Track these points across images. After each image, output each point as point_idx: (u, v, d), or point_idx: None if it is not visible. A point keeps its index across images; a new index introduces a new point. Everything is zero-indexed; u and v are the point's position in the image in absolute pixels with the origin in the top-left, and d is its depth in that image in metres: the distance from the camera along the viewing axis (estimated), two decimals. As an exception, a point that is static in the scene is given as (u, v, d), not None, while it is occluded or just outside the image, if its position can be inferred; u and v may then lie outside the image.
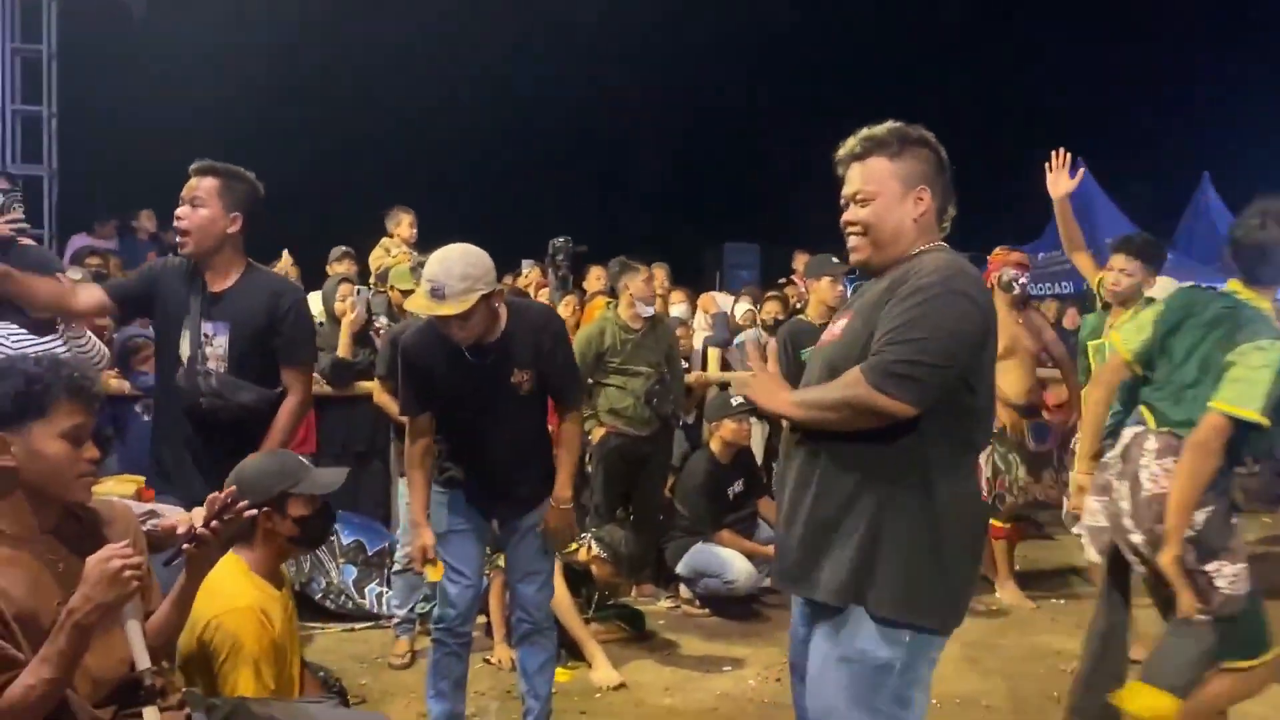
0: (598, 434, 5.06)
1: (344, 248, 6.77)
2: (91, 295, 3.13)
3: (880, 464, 2.02)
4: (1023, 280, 5.02)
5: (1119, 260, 4.27)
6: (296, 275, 6.14)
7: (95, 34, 7.98)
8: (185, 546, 2.01)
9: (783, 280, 7.69)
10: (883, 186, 2.10)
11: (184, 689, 2.26)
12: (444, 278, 2.83)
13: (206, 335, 3.02)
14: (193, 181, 3.04)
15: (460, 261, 2.87)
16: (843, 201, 2.17)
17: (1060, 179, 4.31)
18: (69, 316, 3.18)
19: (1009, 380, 4.81)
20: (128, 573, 1.79)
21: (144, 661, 1.89)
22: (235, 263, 3.08)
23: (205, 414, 2.98)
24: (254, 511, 2.27)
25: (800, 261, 7.50)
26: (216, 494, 2.11)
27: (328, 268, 6.65)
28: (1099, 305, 4.56)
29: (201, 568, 2.07)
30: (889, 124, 2.13)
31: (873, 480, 2.02)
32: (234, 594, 2.40)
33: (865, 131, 2.14)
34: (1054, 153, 4.33)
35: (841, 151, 2.17)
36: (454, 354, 3.00)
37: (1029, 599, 5.11)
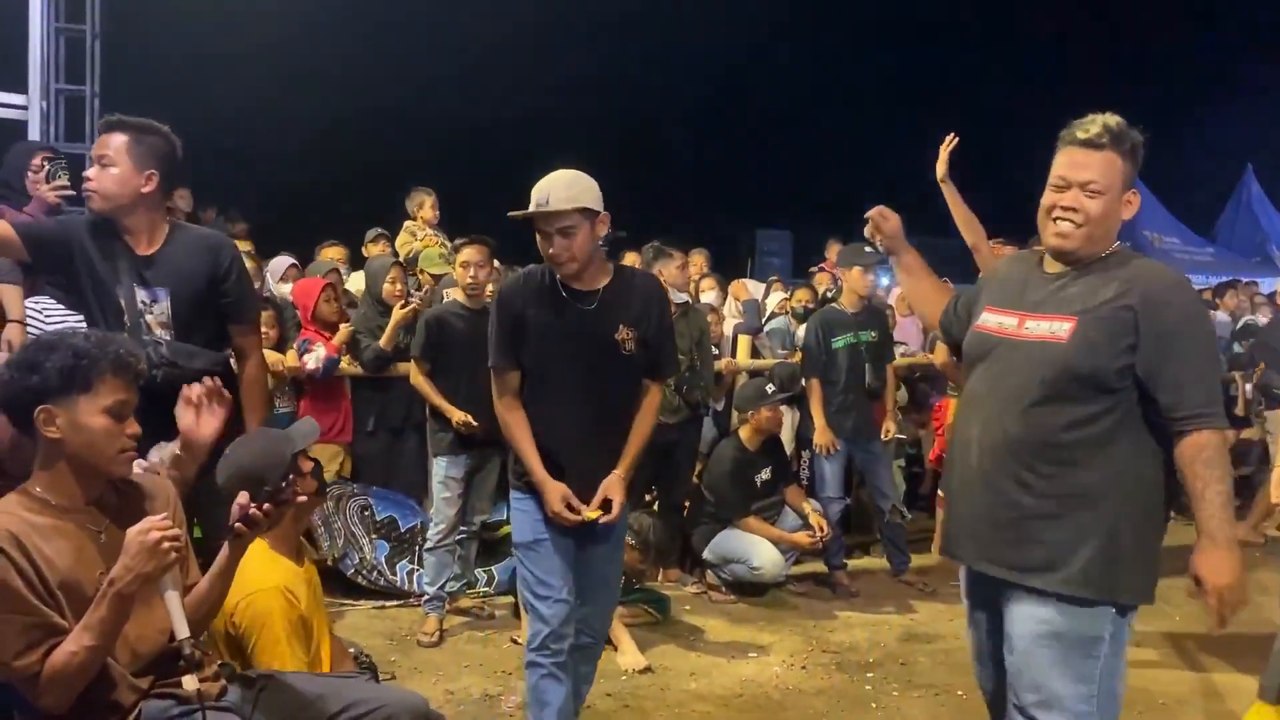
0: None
1: (379, 229, 6.81)
2: None
3: (1097, 459, 2.13)
4: None
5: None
6: (344, 258, 6.17)
7: (138, 14, 8.08)
8: (236, 525, 2.03)
9: (813, 269, 7.65)
10: (1112, 184, 2.16)
11: (219, 662, 2.31)
12: (549, 189, 2.73)
13: (144, 302, 2.86)
14: (101, 138, 2.86)
15: (567, 175, 2.78)
16: (1059, 180, 2.19)
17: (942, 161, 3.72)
18: None
19: None
20: (166, 544, 1.84)
21: (183, 631, 1.93)
22: (158, 223, 2.89)
23: (159, 386, 2.66)
24: (303, 498, 2.32)
25: (833, 250, 7.46)
26: (277, 483, 2.15)
27: (363, 249, 6.70)
28: None
29: (245, 545, 2.11)
30: (1118, 119, 2.18)
31: (1091, 471, 2.13)
32: (259, 575, 2.44)
33: (1105, 121, 2.17)
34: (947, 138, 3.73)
35: (1077, 133, 2.18)
36: (558, 299, 2.81)
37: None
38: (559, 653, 2.85)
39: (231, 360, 3.05)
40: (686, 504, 5.25)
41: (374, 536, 4.83)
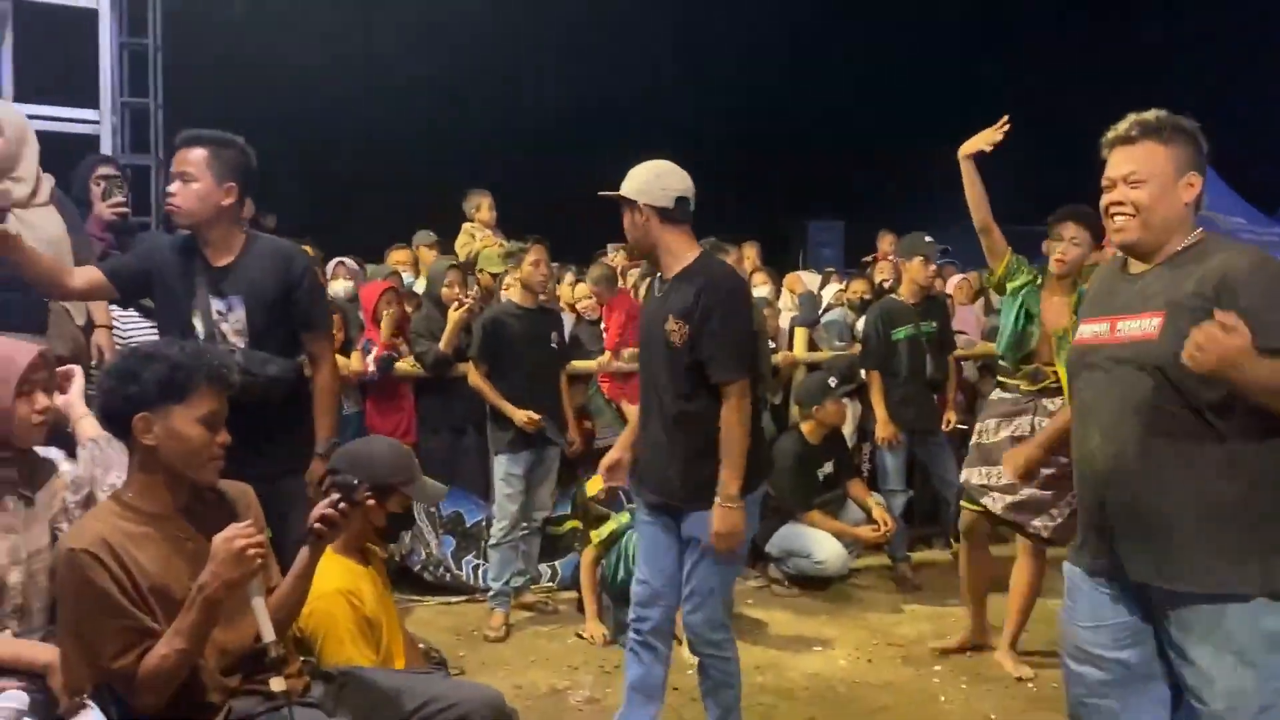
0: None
1: (430, 233, 6.90)
2: (86, 275, 3.01)
3: (1221, 451, 2.08)
4: None
5: (1069, 229, 3.87)
6: (409, 261, 6.27)
7: (197, 27, 8.28)
8: (316, 527, 2.09)
9: (867, 259, 7.57)
10: (1155, 170, 2.17)
11: (302, 658, 2.37)
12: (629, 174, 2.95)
13: (220, 312, 2.93)
14: (180, 154, 2.91)
15: (643, 165, 2.95)
16: (1106, 182, 2.24)
17: (978, 140, 3.70)
18: (65, 295, 3.06)
19: None
20: (250, 551, 1.90)
21: (269, 634, 1.98)
22: (235, 234, 2.96)
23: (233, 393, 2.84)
24: (372, 502, 2.38)
25: (886, 241, 7.39)
26: (347, 477, 2.20)
27: (414, 251, 6.80)
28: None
29: (324, 546, 2.17)
30: (1155, 112, 2.21)
31: (1220, 464, 2.08)
32: (322, 578, 2.45)
33: (1134, 116, 2.21)
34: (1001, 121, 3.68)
35: (1109, 135, 2.24)
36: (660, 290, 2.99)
37: None
38: (640, 631, 3.04)
39: (305, 367, 3.12)
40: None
41: (440, 533, 4.91)
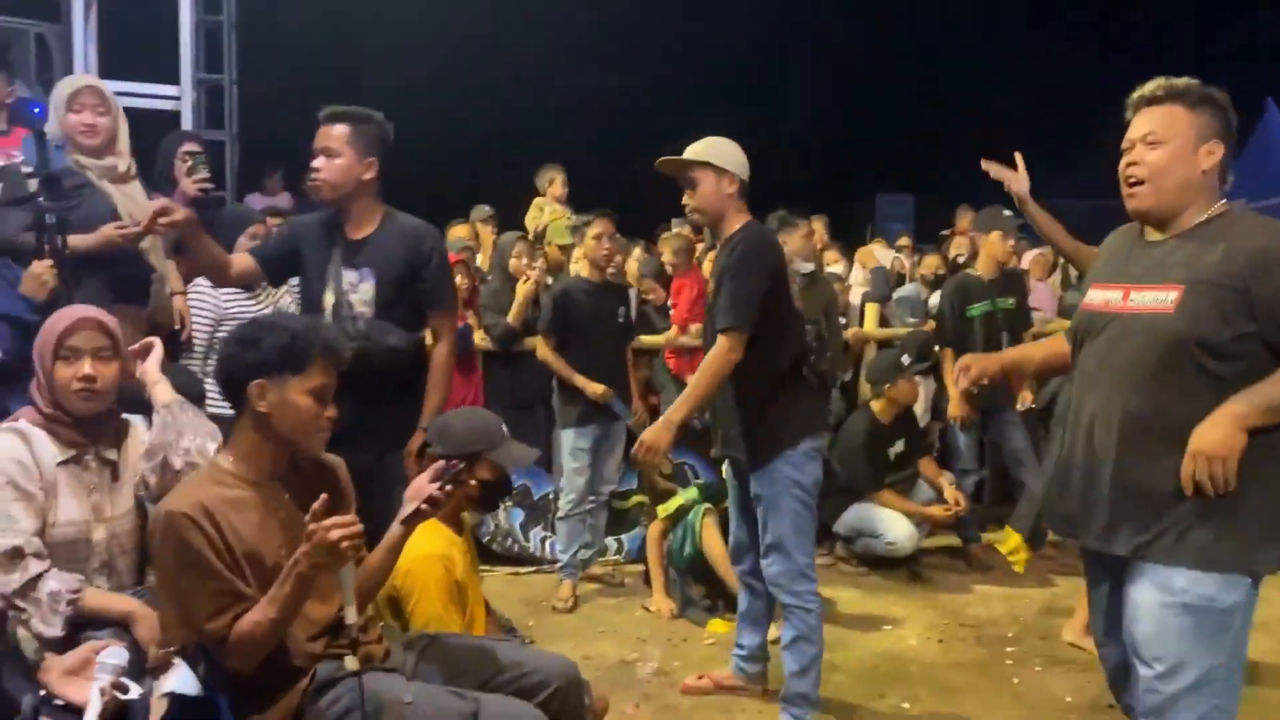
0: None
1: (487, 208, 6.94)
2: (243, 262, 3.14)
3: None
4: None
5: None
6: (470, 235, 6.31)
7: (270, 3, 8.39)
8: (423, 508, 2.12)
9: (944, 233, 7.40)
10: (1176, 134, 2.11)
11: (382, 624, 2.42)
12: (697, 143, 3.11)
13: (350, 283, 3.01)
14: (323, 130, 2.99)
15: (717, 139, 3.13)
16: (1125, 145, 2.18)
17: (1015, 177, 3.52)
18: (225, 281, 3.18)
19: None
20: (345, 544, 1.91)
21: (351, 615, 2.02)
22: (373, 209, 3.05)
23: (353, 358, 2.93)
24: (473, 484, 2.46)
25: (963, 215, 7.22)
26: (449, 460, 2.23)
27: (473, 227, 6.84)
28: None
29: (418, 523, 2.20)
30: (1186, 79, 2.15)
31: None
32: (421, 543, 2.51)
33: (1162, 80, 2.15)
34: (987, 162, 3.53)
35: (1134, 96, 2.18)
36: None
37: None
38: (742, 573, 3.47)
39: (426, 340, 3.17)
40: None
41: (509, 504, 4.96)
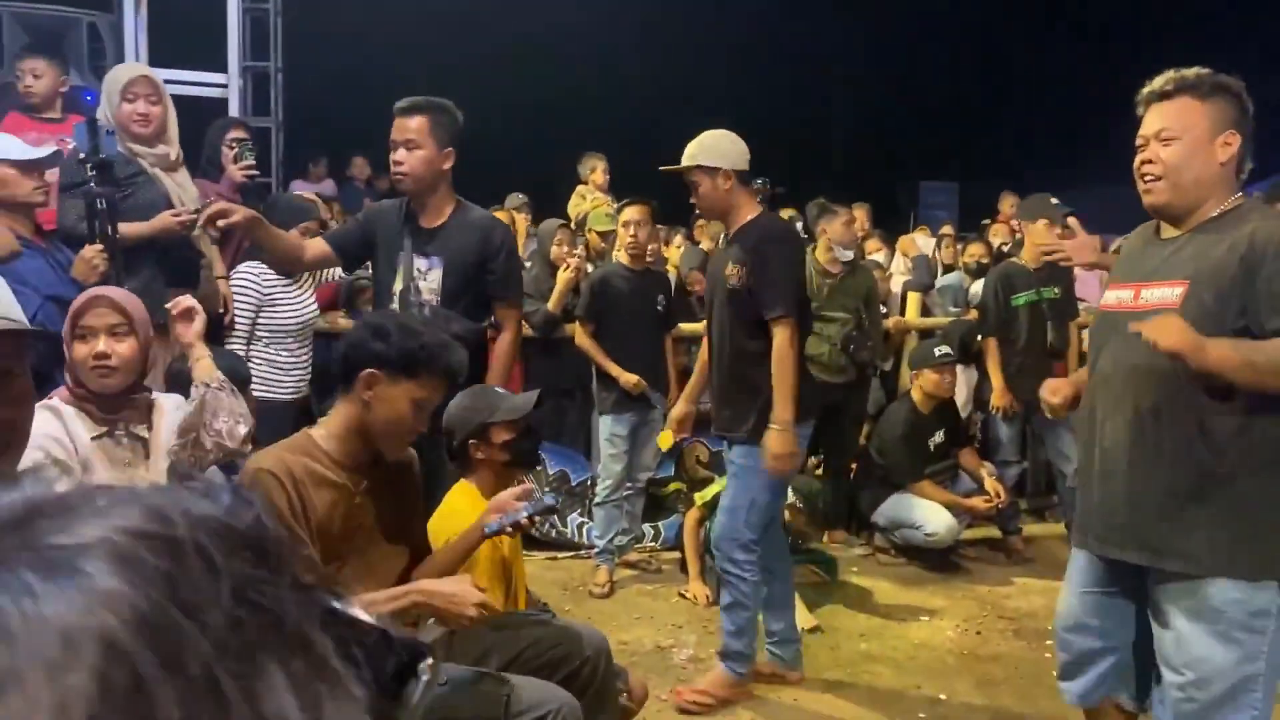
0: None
1: (521, 195, 6.97)
2: (317, 248, 3.22)
3: (1231, 429, 2.01)
4: None
5: None
6: (524, 225, 6.36)
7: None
8: (508, 530, 2.20)
9: (986, 221, 7.30)
10: (1190, 127, 2.07)
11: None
12: (691, 144, 3.12)
13: (420, 270, 3.07)
14: (401, 122, 3.01)
15: (708, 135, 3.14)
16: (1139, 142, 2.14)
17: (1081, 249, 3.38)
18: (299, 268, 3.27)
19: None
20: (474, 613, 1.99)
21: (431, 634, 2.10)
22: (448, 199, 3.09)
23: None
24: (481, 455, 2.47)
25: (1007, 203, 7.11)
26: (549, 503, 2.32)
27: (506, 215, 6.89)
28: None
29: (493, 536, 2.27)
30: (1196, 69, 2.10)
31: (1227, 442, 2.02)
32: (467, 517, 2.57)
33: (1173, 72, 2.11)
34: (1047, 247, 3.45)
35: (1145, 91, 2.14)
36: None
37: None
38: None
39: (488, 331, 3.22)
40: (853, 466, 5.17)
41: (546, 490, 4.99)
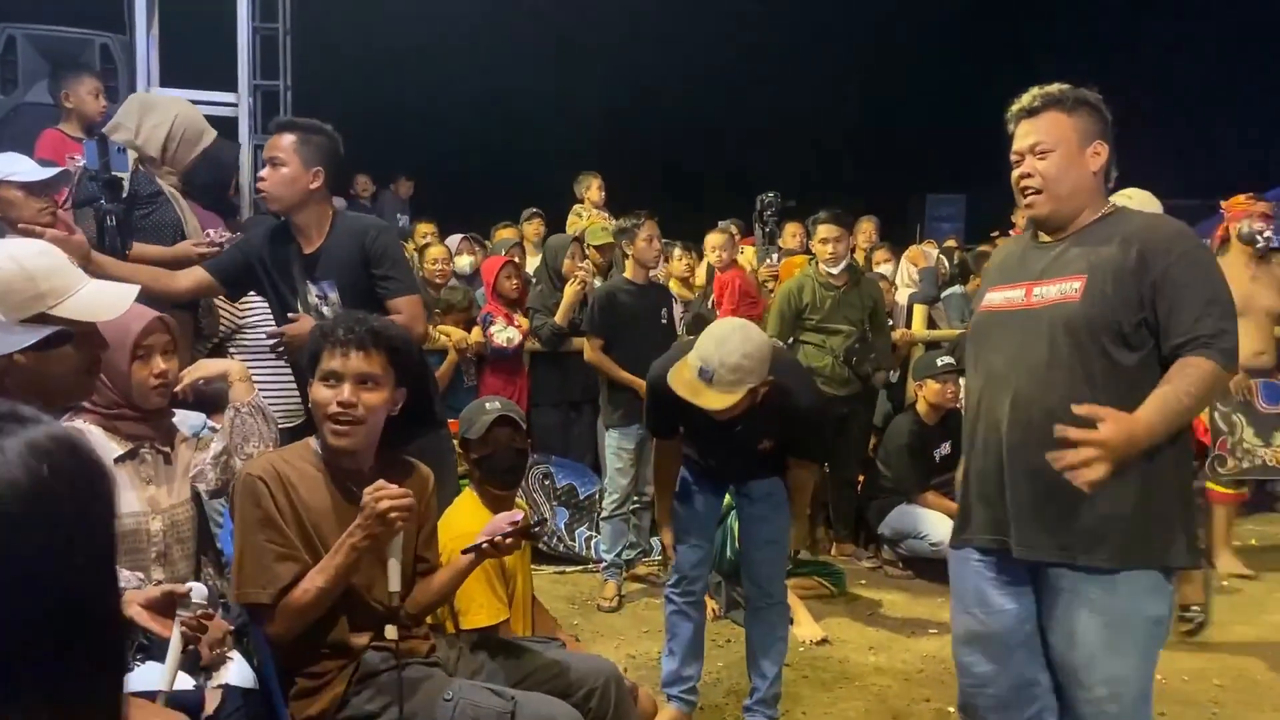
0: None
1: (534, 209, 7.00)
2: (191, 276, 3.06)
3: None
4: (1268, 233, 4.58)
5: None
6: (517, 238, 6.40)
7: (323, 12, 8.56)
8: (484, 548, 2.19)
9: (995, 233, 7.29)
10: (1061, 140, 2.16)
11: (430, 622, 2.46)
12: (715, 364, 2.65)
13: (319, 297, 3.00)
14: (271, 140, 2.97)
15: (737, 351, 2.66)
16: (1014, 157, 2.22)
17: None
18: (172, 298, 3.06)
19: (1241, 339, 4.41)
20: (393, 514, 2.00)
21: (395, 584, 2.09)
22: (323, 217, 3.00)
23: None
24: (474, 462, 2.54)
25: (1021, 215, 7.10)
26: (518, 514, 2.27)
27: (520, 228, 6.92)
28: None
29: (482, 560, 2.28)
30: (1059, 85, 2.20)
31: (1151, 453, 2.02)
32: (466, 521, 2.63)
33: (1037, 89, 2.20)
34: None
35: (1014, 108, 2.23)
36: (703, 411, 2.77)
37: (1253, 574, 4.76)
38: (690, 593, 3.24)
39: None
40: (860, 479, 5.17)
41: (554, 504, 5.00)
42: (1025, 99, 2.20)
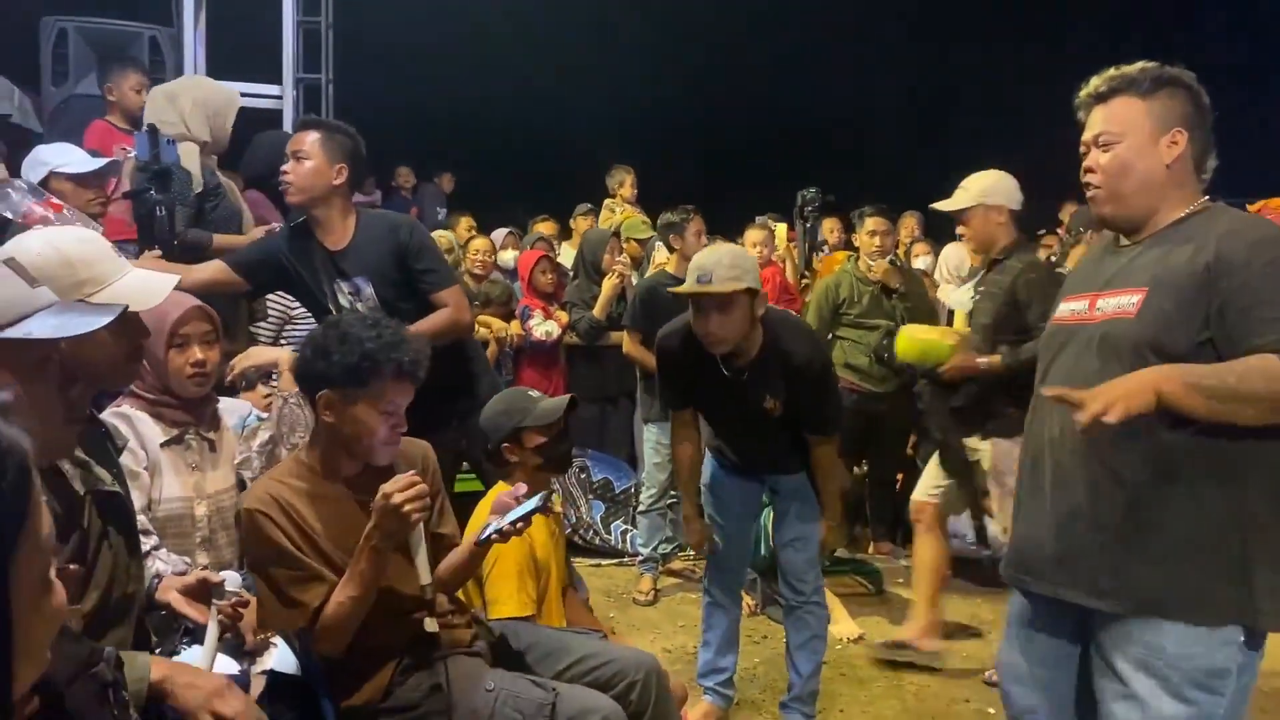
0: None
1: (587, 204, 7.00)
2: (206, 270, 3.09)
3: (1188, 452, 1.77)
4: None
5: None
6: (554, 232, 6.43)
7: (365, 6, 8.63)
8: (494, 537, 2.13)
9: (1041, 231, 7.17)
10: (1130, 129, 1.88)
11: (471, 612, 2.47)
12: (712, 265, 2.80)
13: (351, 294, 3.02)
14: (296, 135, 3.07)
15: (729, 254, 2.86)
16: (1081, 149, 1.97)
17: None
18: (193, 290, 2.95)
19: None
20: (408, 507, 1.95)
21: (425, 577, 2.08)
22: (347, 217, 3.05)
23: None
24: (531, 453, 2.53)
25: (1067, 211, 6.99)
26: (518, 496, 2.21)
27: (571, 222, 6.93)
28: None
29: (489, 546, 2.22)
30: (1141, 64, 1.90)
31: (1184, 467, 1.78)
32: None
33: (1112, 70, 1.93)
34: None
35: (1083, 93, 1.97)
36: (710, 362, 2.90)
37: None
38: (726, 587, 3.28)
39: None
40: (899, 477, 5.12)
41: (590, 497, 5.01)
42: (1095, 82, 1.94)
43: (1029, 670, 2.05)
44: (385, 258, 3.01)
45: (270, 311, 3.77)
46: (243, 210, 3.56)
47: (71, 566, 1.53)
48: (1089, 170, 1.94)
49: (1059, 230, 7.04)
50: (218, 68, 6.17)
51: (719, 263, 2.79)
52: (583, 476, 5.00)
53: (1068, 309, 2.02)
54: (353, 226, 3.04)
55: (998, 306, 3.52)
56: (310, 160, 2.99)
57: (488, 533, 2.12)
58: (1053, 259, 6.17)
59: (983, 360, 3.47)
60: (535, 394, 2.86)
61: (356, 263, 3.02)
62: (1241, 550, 1.76)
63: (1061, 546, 1.90)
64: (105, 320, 1.43)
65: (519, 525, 2.12)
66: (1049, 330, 2.08)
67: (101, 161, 3.34)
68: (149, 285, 1.69)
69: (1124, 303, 1.85)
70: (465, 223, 6.93)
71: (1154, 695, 1.79)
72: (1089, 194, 1.96)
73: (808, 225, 6.02)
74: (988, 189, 3.60)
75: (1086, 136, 1.95)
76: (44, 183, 3.06)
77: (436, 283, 3.04)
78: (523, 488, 2.22)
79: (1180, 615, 1.78)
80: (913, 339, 3.68)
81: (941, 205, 3.72)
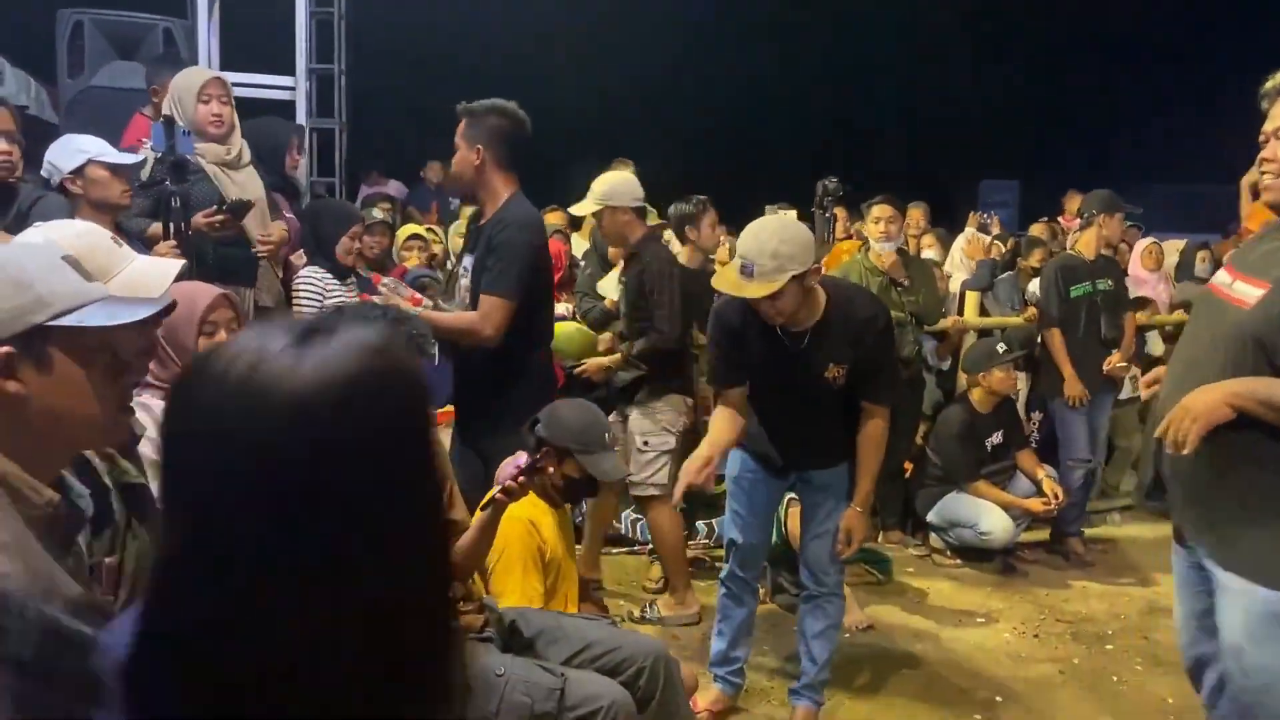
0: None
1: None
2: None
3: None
4: None
5: None
6: (565, 223, 6.43)
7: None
8: (498, 496, 2.17)
9: (1045, 218, 7.16)
10: None
11: (483, 595, 2.50)
12: (755, 255, 2.63)
13: (465, 267, 3.21)
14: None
15: (774, 237, 2.65)
16: (1262, 138, 2.06)
17: None
18: None
19: None
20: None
21: None
22: (498, 195, 3.14)
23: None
24: (557, 475, 2.61)
25: (1072, 201, 6.98)
26: (539, 451, 2.30)
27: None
28: None
29: (504, 508, 2.27)
30: None
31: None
32: (518, 516, 2.59)
33: None
34: None
35: (1269, 84, 2.05)
36: (767, 331, 2.81)
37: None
38: (745, 580, 3.24)
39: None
40: (908, 466, 5.14)
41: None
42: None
43: (1186, 624, 2.28)
44: (485, 239, 3.11)
45: (304, 293, 3.78)
46: (226, 192, 3.52)
47: (109, 560, 1.55)
48: (1267, 160, 2.03)
49: (1060, 218, 7.05)
50: (231, 59, 6.22)
51: (761, 251, 2.63)
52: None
53: (1223, 276, 2.12)
54: (495, 209, 3.14)
55: (632, 298, 3.95)
56: (458, 150, 3.16)
57: (492, 495, 2.19)
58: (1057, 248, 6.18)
59: (606, 359, 4.16)
60: (610, 437, 2.82)
61: (477, 242, 3.16)
62: None
63: (1187, 502, 2.10)
64: (151, 310, 1.46)
65: (521, 481, 2.17)
66: (1204, 290, 2.21)
67: (139, 156, 3.41)
68: (150, 277, 1.70)
69: (1249, 292, 1.97)
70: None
71: (1257, 641, 1.97)
72: (1264, 182, 2.05)
73: (826, 215, 5.98)
74: (608, 192, 3.84)
75: (1268, 127, 2.04)
76: (81, 169, 3.10)
77: (488, 284, 3.07)
78: (524, 456, 2.25)
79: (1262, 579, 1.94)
80: (558, 332, 3.78)
81: (574, 210, 4.08)
